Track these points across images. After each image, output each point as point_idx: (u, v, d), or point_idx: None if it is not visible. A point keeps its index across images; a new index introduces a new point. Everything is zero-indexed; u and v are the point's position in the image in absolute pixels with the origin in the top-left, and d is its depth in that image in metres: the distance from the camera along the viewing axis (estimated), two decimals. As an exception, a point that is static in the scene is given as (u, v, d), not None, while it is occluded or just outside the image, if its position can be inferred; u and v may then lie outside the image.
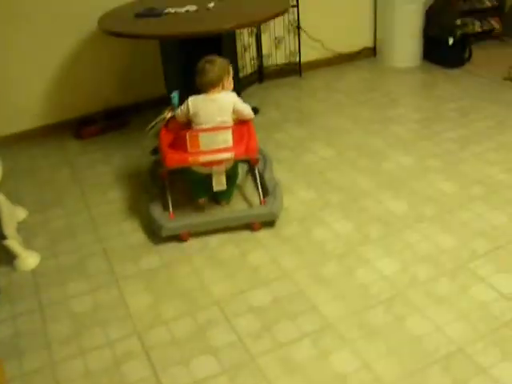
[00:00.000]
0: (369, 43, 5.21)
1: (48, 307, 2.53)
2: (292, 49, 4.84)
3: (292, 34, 4.78)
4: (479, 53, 5.10)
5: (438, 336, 2.22)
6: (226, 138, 2.81)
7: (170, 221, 2.87)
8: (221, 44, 3.51)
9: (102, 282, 2.66)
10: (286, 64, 4.88)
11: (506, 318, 2.29)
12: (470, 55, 5.03)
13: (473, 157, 3.45)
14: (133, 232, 2.99)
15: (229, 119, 2.87)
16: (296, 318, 2.35)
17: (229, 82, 2.91)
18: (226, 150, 2.81)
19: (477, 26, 5.39)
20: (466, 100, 4.26)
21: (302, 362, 2.15)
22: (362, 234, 2.83)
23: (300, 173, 3.40)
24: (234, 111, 2.90)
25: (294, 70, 4.89)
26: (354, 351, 2.18)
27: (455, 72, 4.83)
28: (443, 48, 4.90)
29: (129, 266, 2.75)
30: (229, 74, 2.90)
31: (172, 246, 2.85)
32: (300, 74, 4.89)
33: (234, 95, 2.91)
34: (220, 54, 3.48)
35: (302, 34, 4.79)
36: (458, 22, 4.95)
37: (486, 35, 5.48)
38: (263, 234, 2.88)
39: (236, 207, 3.11)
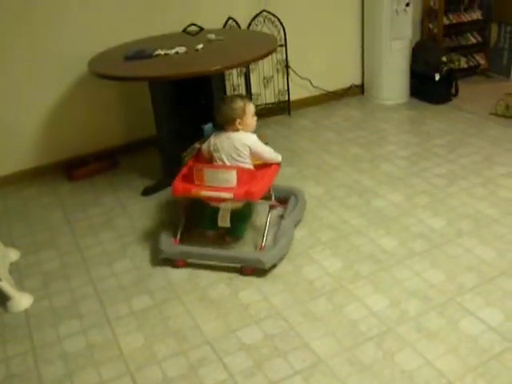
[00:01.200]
0: (357, 81, 5.32)
1: (41, 348, 2.53)
2: (281, 88, 4.93)
3: (280, 73, 4.88)
4: (466, 88, 5.21)
5: (428, 370, 2.24)
6: (229, 177, 2.85)
7: (171, 246, 2.97)
8: (210, 84, 3.57)
9: (95, 323, 2.66)
10: (275, 103, 4.96)
11: (494, 350, 2.31)
12: (457, 91, 5.13)
13: (460, 192, 3.50)
14: (124, 273, 3.01)
15: (245, 159, 2.93)
16: (287, 355, 2.36)
17: (246, 121, 2.95)
18: (226, 189, 2.84)
19: (463, 62, 5.53)
20: (453, 135, 4.34)
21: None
22: (353, 271, 2.85)
23: (290, 210, 3.44)
24: (252, 153, 2.94)
25: (283, 108, 4.98)
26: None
27: (442, 108, 4.92)
28: (430, 84, 5.01)
29: (121, 306, 2.76)
30: (245, 113, 2.93)
31: (163, 287, 2.87)
32: (289, 113, 4.98)
33: (251, 137, 2.95)
34: (210, 94, 3.56)
35: (291, 73, 4.89)
36: (444, 58, 5.06)
37: (472, 71, 5.62)
38: (254, 273, 2.90)
39: (239, 247, 3.12)
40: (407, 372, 2.24)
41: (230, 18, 4.48)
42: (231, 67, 3.80)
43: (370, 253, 2.98)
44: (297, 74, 4.91)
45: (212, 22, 4.35)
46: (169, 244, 2.99)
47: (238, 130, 2.93)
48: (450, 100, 5.07)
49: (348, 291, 2.71)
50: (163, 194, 3.75)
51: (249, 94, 4.76)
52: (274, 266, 2.90)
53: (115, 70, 3.46)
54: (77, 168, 4.11)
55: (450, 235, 3.08)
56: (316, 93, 5.12)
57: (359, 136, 4.44)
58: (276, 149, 3.10)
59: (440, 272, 2.80)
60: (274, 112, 4.96)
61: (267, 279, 2.84)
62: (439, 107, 4.93)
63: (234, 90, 4.68)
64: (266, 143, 3.05)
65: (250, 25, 4.59)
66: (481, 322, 2.46)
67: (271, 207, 3.08)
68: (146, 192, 3.78)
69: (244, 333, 2.51)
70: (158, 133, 3.79)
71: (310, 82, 5.01)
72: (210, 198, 2.91)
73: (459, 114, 4.76)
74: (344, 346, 2.38)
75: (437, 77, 4.96)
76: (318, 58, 4.98)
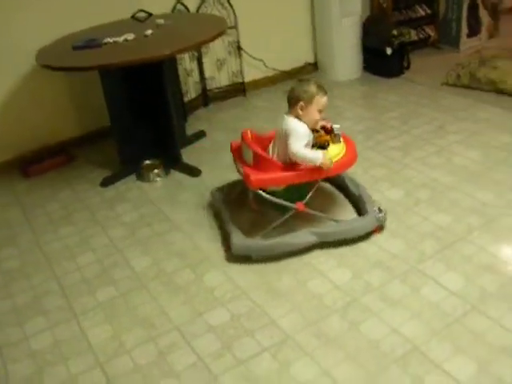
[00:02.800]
0: (310, 59, 5.33)
1: (6, 348, 2.50)
2: (235, 70, 4.91)
3: (233, 56, 4.86)
4: (417, 61, 5.27)
5: (394, 337, 2.29)
6: (249, 156, 2.86)
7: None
8: (162, 71, 3.54)
9: (61, 318, 2.64)
10: (229, 85, 4.95)
11: (457, 313, 2.37)
12: (409, 64, 5.19)
13: (416, 162, 3.56)
14: (87, 266, 2.98)
15: (281, 146, 2.82)
16: (255, 334, 2.38)
17: (309, 110, 2.75)
18: (245, 166, 2.86)
19: (413, 35, 5.58)
20: (407, 107, 4.40)
21: (263, 375, 2.19)
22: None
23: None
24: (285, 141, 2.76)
25: (238, 90, 4.97)
26: (313, 360, 2.22)
27: (395, 81, 4.98)
28: (382, 58, 5.05)
29: (86, 299, 2.74)
30: (311, 102, 2.73)
31: (128, 276, 2.85)
32: (245, 94, 4.97)
33: (297, 124, 2.75)
34: (162, 80, 3.52)
35: (244, 55, 4.87)
36: (395, 32, 5.09)
37: (423, 43, 5.68)
38: (216, 254, 2.91)
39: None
40: (373, 341, 2.28)
41: (178, 2, 4.43)
42: (182, 51, 3.76)
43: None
44: (250, 56, 4.90)
45: (160, 6, 4.29)
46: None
47: (298, 115, 2.76)
48: (403, 73, 5.12)
49: (312, 266, 2.74)
50: (122, 185, 3.72)
51: (203, 79, 4.74)
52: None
53: (63, 61, 3.40)
54: (32, 165, 4.04)
55: (408, 205, 3.14)
56: (270, 73, 5.12)
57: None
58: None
59: (400, 241, 2.85)
60: (229, 95, 4.95)
61: (232, 261, 2.85)
62: (392, 80, 4.98)
63: (188, 74, 4.65)
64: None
65: (199, 8, 4.55)
66: (442, 288, 2.52)
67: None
68: (104, 183, 3.74)
69: (211, 315, 2.52)
70: (111, 123, 3.74)
71: (264, 63, 5.01)
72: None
73: (412, 86, 4.82)
74: (310, 321, 2.42)
75: (388, 51, 5.00)
76: (270, 38, 4.97)
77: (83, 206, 3.55)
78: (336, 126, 2.89)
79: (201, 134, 4.28)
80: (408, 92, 4.71)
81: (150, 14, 4.03)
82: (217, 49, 4.75)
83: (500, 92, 4.51)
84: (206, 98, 4.85)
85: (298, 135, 2.71)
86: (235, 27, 4.69)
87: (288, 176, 2.79)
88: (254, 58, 4.95)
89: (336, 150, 2.84)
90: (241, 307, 2.54)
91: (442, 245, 2.79)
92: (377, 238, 2.89)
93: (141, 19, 3.96)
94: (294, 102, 2.77)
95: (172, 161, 3.83)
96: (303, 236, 2.83)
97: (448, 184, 3.28)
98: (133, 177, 3.80)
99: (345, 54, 5.07)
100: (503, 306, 2.37)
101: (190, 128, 4.33)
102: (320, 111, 2.77)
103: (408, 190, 3.28)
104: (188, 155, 3.92)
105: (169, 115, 3.67)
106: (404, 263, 2.70)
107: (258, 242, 2.84)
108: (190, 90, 4.71)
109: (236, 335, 2.39)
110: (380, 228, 2.93)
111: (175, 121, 3.72)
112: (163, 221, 3.28)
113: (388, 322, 2.37)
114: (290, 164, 2.79)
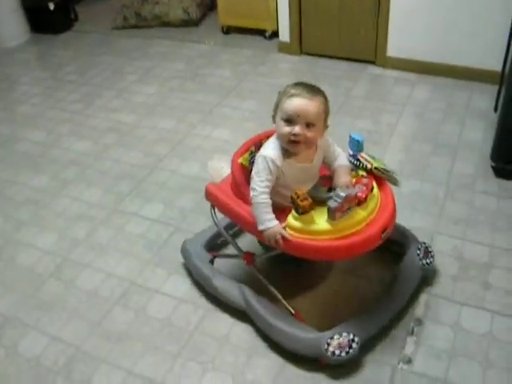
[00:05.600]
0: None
1: None
2: None
3: None
4: (84, 11, 5.22)
5: (111, 280, 2.34)
6: None
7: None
8: None
9: None
10: None
11: (162, 238, 2.52)
12: (76, 16, 5.11)
13: (99, 110, 3.59)
14: None
15: None
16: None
17: (276, 122, 1.91)
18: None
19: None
20: (82, 59, 4.37)
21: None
22: (14, 221, 2.76)
23: None
24: None
25: None
26: (40, 333, 2.16)
27: (66, 35, 4.89)
28: (47, 15, 4.88)
29: None
30: (275, 108, 1.92)
31: None
32: None
33: (261, 152, 1.93)
34: None
35: None
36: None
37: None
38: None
39: None
40: (91, 291, 2.30)
41: None
42: None
43: (27, 197, 2.90)
44: None
45: None
46: None
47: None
48: (72, 26, 5.03)
49: (15, 241, 2.63)
50: None
51: None
52: None
53: None
54: None
55: (98, 152, 3.17)
56: None
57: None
58: None
59: (96, 189, 2.88)
60: None
61: None
62: (62, 36, 4.88)
63: None
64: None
65: None
66: (144, 219, 2.63)
67: None
68: None
69: None
70: None
71: None
72: None
73: (83, 38, 4.78)
74: (27, 294, 2.33)
75: (51, 6, 4.84)
76: None
77: None
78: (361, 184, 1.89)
79: None
80: (81, 44, 4.66)
81: None
82: None
83: (165, 25, 4.69)
84: None
85: (258, 166, 1.89)
86: None
87: (235, 209, 2.02)
88: None
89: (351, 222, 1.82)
90: None
91: (136, 180, 2.90)
92: (73, 193, 2.87)
93: None
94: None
95: None
96: (231, 290, 2.14)
97: (131, 123, 3.37)
98: None
99: (5, 18, 4.75)
100: (200, 220, 2.56)
101: None
102: (289, 122, 1.83)
103: (95, 138, 3.30)
104: None
105: None
106: (104, 209, 2.74)
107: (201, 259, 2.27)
108: None
109: None
110: (328, 362, 1.91)
111: None
112: None
113: (102, 268, 2.41)
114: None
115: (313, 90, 1.84)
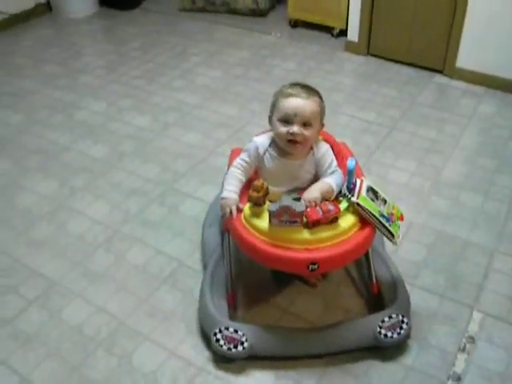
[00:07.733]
0: (41, -1, 4.97)
1: None
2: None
3: None
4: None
5: (161, 257, 2.32)
6: None
7: None
8: None
9: None
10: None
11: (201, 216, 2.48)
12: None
13: (161, 88, 3.57)
14: None
15: None
16: (18, 289, 2.23)
17: (271, 121, 1.95)
18: None
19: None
20: (147, 37, 4.35)
21: (34, 329, 2.06)
22: (68, 187, 2.76)
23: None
24: None
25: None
26: (84, 300, 2.16)
27: (133, 12, 4.87)
28: (116, -9, 4.90)
29: None
30: (271, 108, 1.97)
31: None
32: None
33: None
34: None
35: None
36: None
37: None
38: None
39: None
40: (140, 266, 2.29)
41: None
42: None
43: (83, 165, 2.90)
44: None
45: None
46: None
47: None
48: (140, 4, 5.03)
49: (68, 207, 2.63)
50: None
51: None
52: None
53: None
54: None
55: (158, 129, 3.15)
56: (-4, 17, 4.67)
57: (53, 54, 4.19)
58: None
59: (153, 165, 2.86)
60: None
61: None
62: (130, 12, 4.86)
63: None
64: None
65: None
66: (200, 201, 2.60)
67: None
68: None
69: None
70: None
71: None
72: None
73: (150, 16, 4.77)
74: (75, 262, 2.33)
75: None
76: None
77: None
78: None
79: None
80: (147, 22, 4.65)
81: None
82: None
83: (233, 12, 4.66)
84: None
85: (245, 146, 1.99)
86: None
87: None
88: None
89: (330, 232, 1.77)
90: (-4, 264, 2.36)
91: (195, 161, 2.87)
92: (129, 166, 2.86)
93: None
94: None
95: None
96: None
97: (192, 104, 3.35)
98: None
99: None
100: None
101: None
102: (286, 122, 1.85)
103: (156, 115, 3.29)
104: None
105: None
106: (159, 185, 2.72)
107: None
108: None
109: (-3, 294, 2.22)
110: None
111: None
112: None
113: (152, 244, 2.39)
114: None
115: (309, 90, 1.88)
